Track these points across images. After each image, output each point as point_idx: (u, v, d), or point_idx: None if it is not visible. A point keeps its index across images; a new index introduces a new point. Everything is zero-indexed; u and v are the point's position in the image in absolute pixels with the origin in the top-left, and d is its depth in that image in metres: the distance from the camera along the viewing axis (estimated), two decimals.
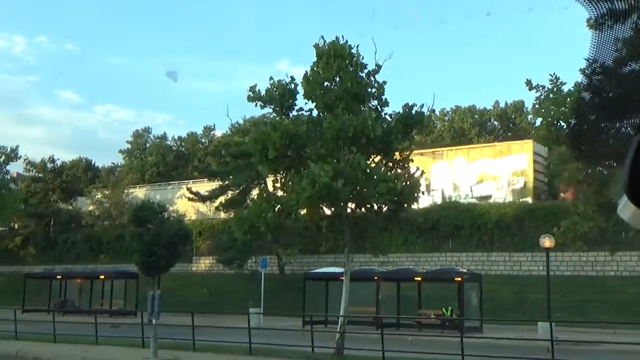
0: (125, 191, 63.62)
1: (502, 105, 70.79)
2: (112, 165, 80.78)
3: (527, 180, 48.39)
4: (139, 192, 65.12)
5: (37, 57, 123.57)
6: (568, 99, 20.70)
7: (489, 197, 48.84)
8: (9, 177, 55.57)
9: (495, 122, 70.24)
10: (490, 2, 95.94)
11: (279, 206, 20.90)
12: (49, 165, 68.86)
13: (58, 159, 70.81)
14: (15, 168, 67.16)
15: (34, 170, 67.98)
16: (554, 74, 22.07)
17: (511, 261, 43.26)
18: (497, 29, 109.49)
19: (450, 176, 51.13)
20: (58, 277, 47.96)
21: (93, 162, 76.59)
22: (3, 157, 48.43)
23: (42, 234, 64.76)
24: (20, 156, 58.95)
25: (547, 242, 28.46)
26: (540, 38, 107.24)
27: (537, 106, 23.01)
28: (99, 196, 63.43)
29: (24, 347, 23.54)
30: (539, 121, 24.30)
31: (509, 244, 43.80)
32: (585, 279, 39.19)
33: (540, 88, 22.12)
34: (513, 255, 43.25)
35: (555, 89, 21.87)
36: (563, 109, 20.98)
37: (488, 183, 49.73)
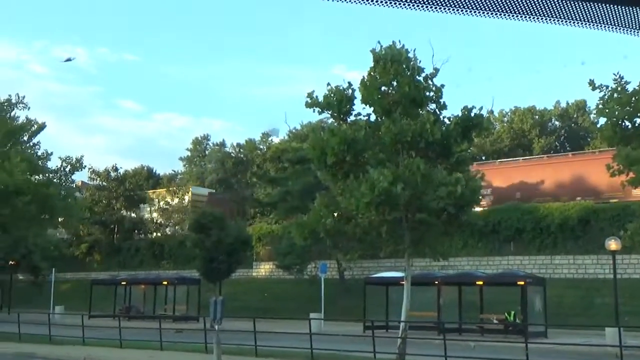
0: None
1: (563, 105, 69.28)
2: (173, 172, 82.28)
3: None
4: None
5: (98, 67, 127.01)
6: (633, 99, 20.19)
7: None
8: (74, 186, 57.00)
9: (557, 122, 68.70)
10: None
11: (338, 212, 20.93)
12: (112, 174, 70.44)
13: (120, 168, 72.56)
14: (80, 177, 68.99)
15: (98, 179, 69.57)
16: (617, 73, 21.55)
17: (576, 264, 42.23)
18: (557, 26, 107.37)
19: None
20: (123, 283, 49.08)
21: (154, 170, 78.25)
22: (69, 166, 49.84)
23: (106, 241, 66.44)
24: (85, 165, 60.44)
25: (613, 244, 27.70)
26: (602, 35, 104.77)
27: (600, 106, 22.40)
28: (162, 203, 64.67)
29: (92, 353, 24.13)
30: (602, 120, 23.67)
31: (573, 247, 42.73)
32: None
33: (604, 88, 21.60)
34: (577, 258, 42.20)
35: (619, 89, 21.33)
36: (628, 108, 20.45)
37: None
